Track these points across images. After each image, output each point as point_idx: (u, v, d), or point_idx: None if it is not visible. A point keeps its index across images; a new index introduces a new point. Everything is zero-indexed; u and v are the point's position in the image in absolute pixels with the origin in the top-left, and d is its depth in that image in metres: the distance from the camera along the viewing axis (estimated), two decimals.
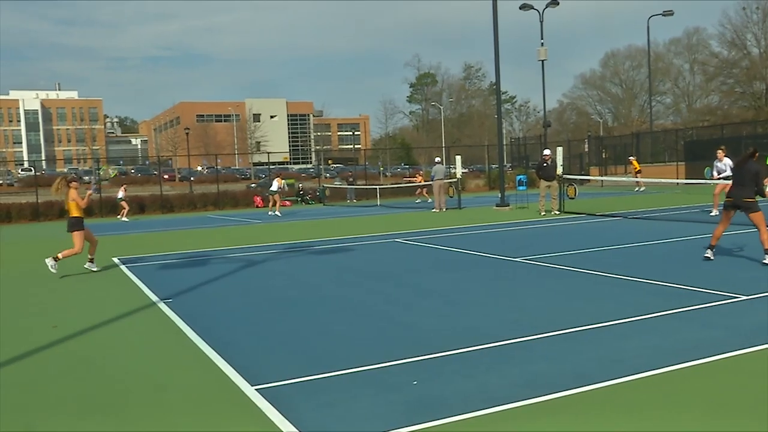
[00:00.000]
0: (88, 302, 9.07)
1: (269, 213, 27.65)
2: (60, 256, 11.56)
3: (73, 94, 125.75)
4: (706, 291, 7.49)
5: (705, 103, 75.27)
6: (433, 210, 24.80)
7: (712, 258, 9.61)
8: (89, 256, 12.11)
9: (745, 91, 67.75)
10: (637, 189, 32.19)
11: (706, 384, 4.58)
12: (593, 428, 3.91)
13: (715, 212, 16.80)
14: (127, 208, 29.87)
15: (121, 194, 30.21)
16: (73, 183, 11.92)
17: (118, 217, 30.02)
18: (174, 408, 4.65)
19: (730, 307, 6.76)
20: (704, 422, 3.93)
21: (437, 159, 27.16)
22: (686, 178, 33.64)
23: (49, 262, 11.53)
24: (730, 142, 35.97)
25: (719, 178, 16.63)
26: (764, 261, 9.01)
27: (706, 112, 71.48)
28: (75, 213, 11.77)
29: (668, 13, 45.51)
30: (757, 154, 9.55)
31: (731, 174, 9.25)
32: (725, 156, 16.80)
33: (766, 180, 9.51)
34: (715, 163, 17.07)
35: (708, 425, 3.89)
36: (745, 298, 7.09)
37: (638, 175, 33.29)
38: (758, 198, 9.30)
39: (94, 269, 12.04)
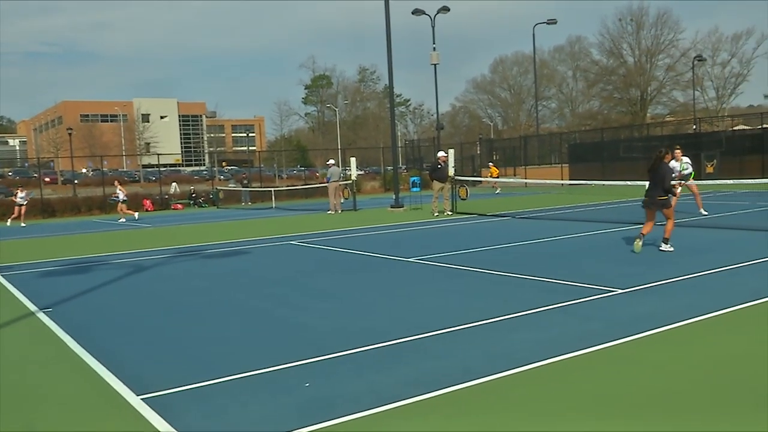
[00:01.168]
0: None
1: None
2: None
3: None
4: (587, 286, 7.87)
5: (587, 108, 79.35)
6: (328, 212, 24.78)
7: (639, 248, 10.12)
8: None
9: (622, 97, 71.96)
10: (496, 191, 34.10)
11: (588, 374, 4.80)
12: (480, 422, 4.02)
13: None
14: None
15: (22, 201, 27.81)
16: None
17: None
18: (54, 421, 4.39)
19: (609, 300, 7.14)
20: (586, 413, 4.12)
21: (331, 161, 27.15)
22: (570, 179, 35.33)
23: None
24: (610, 146, 38.14)
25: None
26: (660, 248, 10.19)
27: (588, 117, 75.39)
28: None
29: (552, 22, 47.62)
30: (668, 156, 10.42)
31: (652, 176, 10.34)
32: (682, 155, 17.44)
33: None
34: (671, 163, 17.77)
35: (589, 416, 4.08)
36: (621, 291, 7.50)
37: (496, 179, 34.97)
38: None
39: None
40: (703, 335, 5.71)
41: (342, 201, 26.44)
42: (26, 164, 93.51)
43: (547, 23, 47.75)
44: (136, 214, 27.48)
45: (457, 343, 5.75)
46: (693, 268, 8.67)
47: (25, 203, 27.78)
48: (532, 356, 5.19)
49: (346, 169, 29.73)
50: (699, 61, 56.12)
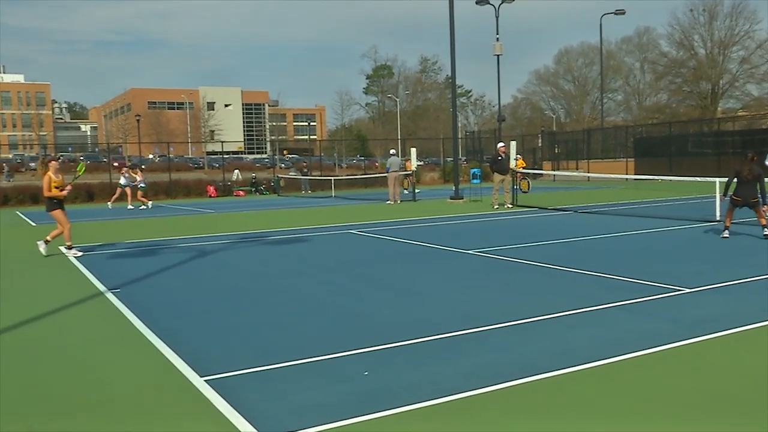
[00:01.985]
0: (32, 293, 8.82)
1: (128, 207, 26.70)
2: (49, 238, 12.02)
3: (19, 78, 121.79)
4: (652, 284, 7.67)
5: (654, 101, 77.04)
6: (388, 202, 24.84)
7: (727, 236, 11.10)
8: (48, 238, 12.16)
9: (692, 90, 69.58)
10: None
11: (649, 375, 4.69)
12: (539, 419, 3.98)
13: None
14: (127, 193, 27.53)
15: (124, 180, 28.00)
16: (52, 162, 11.96)
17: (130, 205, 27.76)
18: (120, 399, 4.55)
19: (675, 299, 6.94)
20: (646, 413, 4.03)
21: (392, 151, 27.21)
22: (635, 174, 34.43)
23: (70, 253, 11.98)
24: (678, 140, 37.00)
25: None
26: (765, 233, 10.88)
27: (655, 110, 73.20)
28: (50, 193, 11.83)
29: (620, 12, 46.37)
30: (755, 158, 11.11)
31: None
32: None
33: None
34: None
35: (650, 416, 3.98)
36: (688, 291, 7.29)
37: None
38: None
39: (43, 252, 12.04)
40: None
41: (404, 191, 26.41)
42: (96, 149, 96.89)
43: (615, 14, 46.52)
44: (150, 203, 27.40)
45: (516, 337, 5.70)
46: (766, 269, 8.35)
47: (134, 185, 27.45)
48: (592, 354, 5.10)
49: (406, 159, 29.66)
50: None
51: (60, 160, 13.34)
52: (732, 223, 11.36)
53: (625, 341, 5.44)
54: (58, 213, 11.89)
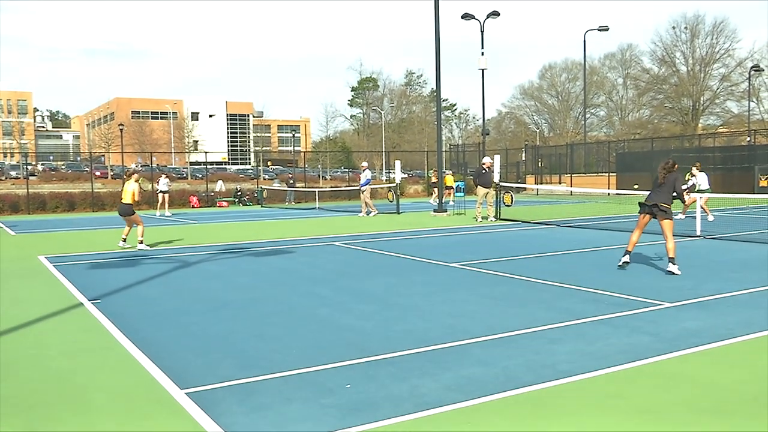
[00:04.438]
0: (10, 302, 8.70)
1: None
2: (141, 238, 14.31)
3: (1, 85, 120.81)
4: (633, 298, 7.73)
5: (637, 117, 77.89)
6: (362, 215, 24.49)
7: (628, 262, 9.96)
8: (123, 236, 14.70)
9: (673, 106, 70.48)
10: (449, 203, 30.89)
11: (632, 388, 4.71)
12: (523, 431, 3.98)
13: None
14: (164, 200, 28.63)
15: (165, 186, 28.65)
16: (136, 174, 14.55)
17: (158, 213, 28.37)
18: (98, 411, 4.50)
19: (656, 313, 7.00)
20: (629, 426, 4.04)
21: (364, 164, 26.82)
22: (617, 189, 34.73)
23: (143, 246, 14.23)
24: (659, 156, 37.39)
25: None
26: (668, 269, 9.46)
27: (638, 126, 73.98)
28: (130, 200, 14.33)
29: (604, 29, 46.94)
30: (676, 167, 10.13)
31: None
32: (700, 170, 18.77)
33: None
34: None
35: (633, 429, 4.00)
36: (668, 305, 7.35)
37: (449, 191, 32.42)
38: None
39: (126, 246, 14.46)
40: (753, 353, 5.54)
41: (390, 202, 26.04)
42: (78, 158, 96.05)
43: (599, 30, 47.08)
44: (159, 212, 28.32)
45: (500, 350, 5.70)
46: (745, 284, 8.45)
47: (167, 191, 28.70)
48: (575, 368, 5.12)
49: (390, 172, 29.55)
50: (756, 71, 54.61)
51: (141, 171, 16.78)
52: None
53: (607, 355, 5.47)
54: (134, 217, 14.38)
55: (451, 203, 29.08)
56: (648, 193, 10.31)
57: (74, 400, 4.73)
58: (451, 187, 32.36)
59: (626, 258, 9.98)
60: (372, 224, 20.32)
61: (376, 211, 24.64)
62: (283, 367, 5.30)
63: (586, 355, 5.50)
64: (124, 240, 14.61)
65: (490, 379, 4.92)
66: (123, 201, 14.50)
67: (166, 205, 28.65)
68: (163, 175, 30.81)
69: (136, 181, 14.37)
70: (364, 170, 25.84)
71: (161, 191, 28.77)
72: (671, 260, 9.45)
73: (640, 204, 10.19)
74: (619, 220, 19.70)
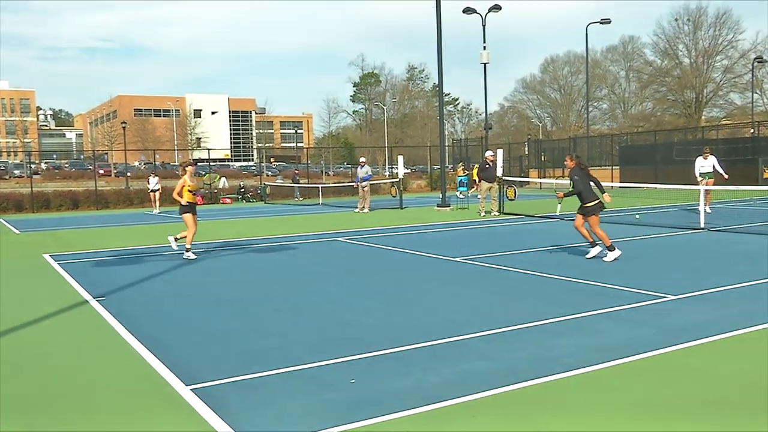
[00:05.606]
0: (15, 300, 8.74)
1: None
2: (178, 236, 12.47)
3: (4, 84, 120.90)
4: (636, 291, 7.73)
5: (639, 110, 77.68)
6: (359, 210, 24.47)
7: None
8: (177, 236, 12.63)
9: (676, 99, 70.23)
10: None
11: (635, 381, 4.72)
12: (524, 427, 4.00)
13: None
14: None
15: (156, 185, 29.47)
16: (189, 168, 12.42)
17: (155, 210, 29.07)
18: (104, 408, 4.53)
19: (659, 306, 7.00)
20: (633, 419, 4.06)
21: (362, 159, 26.78)
22: (621, 182, 34.67)
23: (187, 255, 12.17)
24: (663, 148, 37.33)
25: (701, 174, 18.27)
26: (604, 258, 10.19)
27: (641, 119, 73.79)
28: (180, 198, 12.22)
29: (606, 22, 46.77)
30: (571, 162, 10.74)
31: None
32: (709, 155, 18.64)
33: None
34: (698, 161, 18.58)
35: (636, 423, 4.01)
36: (672, 298, 7.35)
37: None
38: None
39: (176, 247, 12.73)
40: (757, 346, 5.55)
41: (394, 197, 25.91)
42: (82, 156, 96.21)
43: (601, 23, 46.91)
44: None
45: (503, 344, 5.72)
46: (749, 277, 8.44)
47: (158, 189, 29.34)
48: (578, 362, 5.13)
49: (393, 167, 29.49)
50: (759, 62, 54.45)
51: (196, 166, 13.76)
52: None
53: (610, 348, 5.48)
54: (187, 216, 12.24)
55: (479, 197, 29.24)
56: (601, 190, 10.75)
57: (80, 398, 4.76)
58: (476, 181, 32.58)
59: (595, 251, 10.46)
60: (375, 219, 20.33)
61: (368, 209, 24.44)
62: (286, 362, 5.32)
63: (589, 348, 5.51)
64: (177, 239, 12.58)
65: (492, 373, 4.93)
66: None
67: (157, 203, 29.28)
68: (152, 174, 31.44)
69: (187, 175, 12.28)
70: (362, 165, 25.74)
71: (152, 190, 29.49)
72: (608, 247, 10.17)
73: (600, 206, 10.55)
74: (623, 213, 19.67)
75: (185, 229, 12.33)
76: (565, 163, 11.06)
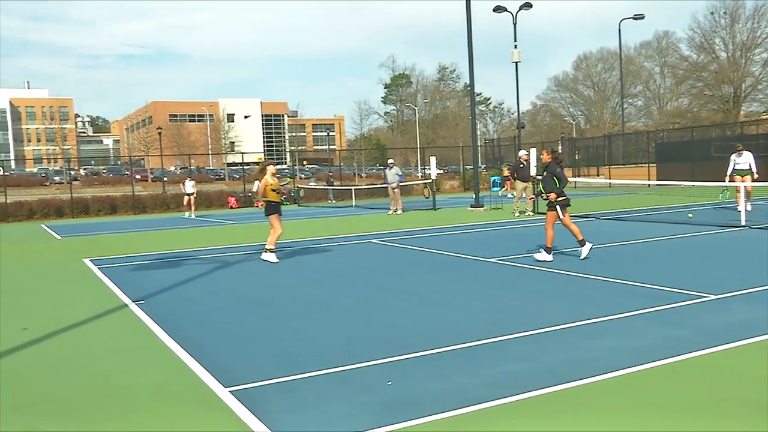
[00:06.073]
0: (58, 304, 8.94)
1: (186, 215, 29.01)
2: (268, 246, 11.94)
3: (43, 93, 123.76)
4: (675, 291, 7.60)
5: (675, 106, 76.36)
6: (392, 212, 24.39)
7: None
8: (269, 246, 12.09)
9: (713, 94, 68.83)
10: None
11: (674, 383, 4.65)
12: (564, 428, 3.96)
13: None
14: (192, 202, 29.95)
15: (191, 188, 30.03)
16: (269, 167, 12.21)
17: (186, 214, 29.78)
18: (146, 409, 4.60)
19: (699, 306, 6.87)
20: (671, 422, 3.99)
21: (390, 161, 26.54)
22: (657, 180, 34.11)
23: (267, 256, 11.86)
24: (700, 145, 36.63)
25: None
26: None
27: (677, 115, 72.50)
28: (265, 197, 12.09)
29: (639, 17, 46.12)
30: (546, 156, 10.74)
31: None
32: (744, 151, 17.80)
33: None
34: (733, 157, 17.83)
35: (675, 425, 3.95)
36: (713, 297, 7.21)
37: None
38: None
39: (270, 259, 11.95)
40: None
41: (427, 198, 25.85)
42: (119, 162, 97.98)
43: (634, 18, 46.27)
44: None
45: (540, 346, 5.67)
46: None
47: (193, 193, 29.96)
48: (616, 363, 5.06)
49: (425, 168, 29.43)
50: None
51: (277, 166, 13.57)
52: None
53: (648, 350, 5.40)
54: (273, 217, 12.14)
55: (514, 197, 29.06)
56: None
57: (121, 399, 4.84)
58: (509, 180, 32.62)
59: (549, 256, 10.42)
60: (408, 221, 20.32)
61: (401, 210, 24.38)
62: (322, 364, 5.35)
63: (628, 349, 5.43)
64: (271, 250, 12.07)
65: (530, 375, 4.89)
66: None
67: (192, 207, 29.78)
68: (188, 178, 32.12)
69: (268, 175, 12.13)
70: (391, 167, 25.52)
71: (188, 193, 29.95)
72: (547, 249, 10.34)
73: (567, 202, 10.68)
74: (661, 211, 19.37)
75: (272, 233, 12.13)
76: (540, 157, 11.14)
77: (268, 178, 12.07)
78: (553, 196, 10.70)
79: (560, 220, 10.58)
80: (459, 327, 6.47)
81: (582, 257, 10.36)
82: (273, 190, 12.10)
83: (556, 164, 10.55)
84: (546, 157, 10.71)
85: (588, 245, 10.48)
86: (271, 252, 12.04)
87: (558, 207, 10.49)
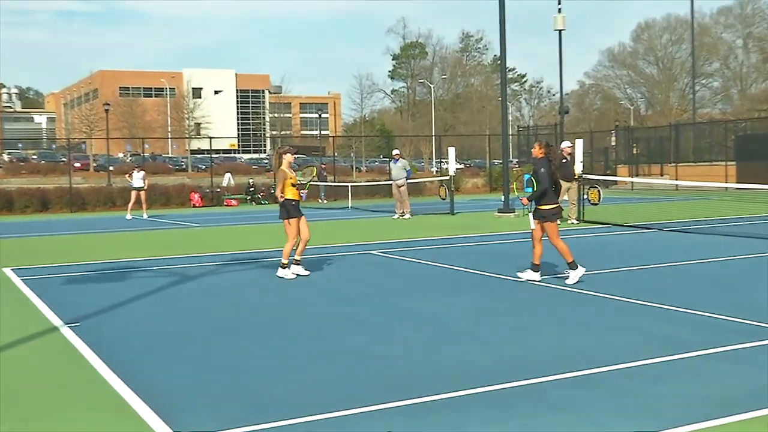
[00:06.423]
0: None
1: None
2: (284, 260, 11.47)
3: None
4: (763, 325, 7.54)
5: (762, 89, 76.46)
6: (398, 216, 24.21)
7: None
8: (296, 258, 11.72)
9: None
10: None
11: None
12: None
13: None
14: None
15: (140, 182, 28.47)
16: (287, 155, 11.56)
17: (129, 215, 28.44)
18: None
19: None
20: None
21: (395, 152, 26.22)
22: (738, 182, 34.02)
23: (283, 272, 11.42)
24: None
25: None
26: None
27: (764, 100, 72.59)
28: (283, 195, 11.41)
29: None
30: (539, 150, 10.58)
31: None
32: None
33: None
34: None
35: None
36: None
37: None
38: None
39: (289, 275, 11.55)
40: None
41: (443, 199, 25.84)
42: (54, 146, 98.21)
43: None
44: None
45: (584, 391, 5.62)
46: None
47: (143, 187, 28.35)
48: (686, 415, 5.00)
49: (440, 161, 29.50)
50: None
51: (297, 153, 12.76)
52: None
53: (728, 398, 5.34)
54: (293, 222, 11.53)
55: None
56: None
57: None
58: None
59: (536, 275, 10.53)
60: (418, 228, 20.30)
61: (408, 214, 24.18)
62: (306, 409, 5.30)
63: (699, 398, 5.38)
64: (297, 262, 11.81)
65: (572, 430, 4.83)
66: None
67: (144, 205, 28.55)
68: (137, 168, 30.64)
69: (285, 166, 11.53)
70: (396, 159, 25.31)
71: (135, 188, 28.34)
72: (569, 264, 10.32)
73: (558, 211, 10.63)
74: (741, 222, 19.32)
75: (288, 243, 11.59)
76: (531, 150, 11.00)
77: (285, 169, 11.43)
78: (525, 201, 10.78)
79: (531, 231, 10.63)
80: (480, 364, 6.43)
81: (569, 281, 10.30)
82: (293, 185, 11.46)
83: (547, 162, 10.31)
84: (537, 152, 10.49)
85: (581, 269, 10.32)
86: (297, 264, 11.68)
87: (540, 218, 10.37)
